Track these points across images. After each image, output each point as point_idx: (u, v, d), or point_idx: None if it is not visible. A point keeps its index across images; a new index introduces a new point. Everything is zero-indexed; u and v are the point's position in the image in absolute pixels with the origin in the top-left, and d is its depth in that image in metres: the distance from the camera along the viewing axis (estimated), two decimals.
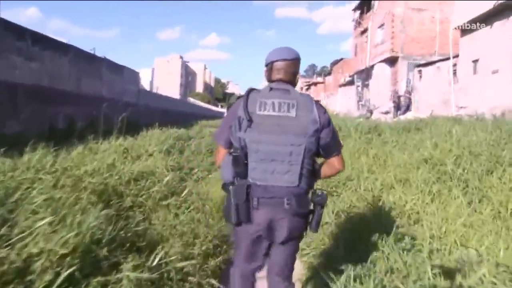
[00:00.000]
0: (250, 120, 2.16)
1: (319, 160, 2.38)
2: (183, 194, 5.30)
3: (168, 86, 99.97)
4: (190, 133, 14.67)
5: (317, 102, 2.28)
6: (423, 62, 24.58)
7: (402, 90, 26.04)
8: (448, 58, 20.59)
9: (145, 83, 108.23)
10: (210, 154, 10.39)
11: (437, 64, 21.74)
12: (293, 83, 2.32)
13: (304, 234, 2.38)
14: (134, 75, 27.31)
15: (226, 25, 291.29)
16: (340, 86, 44.50)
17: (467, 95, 18.08)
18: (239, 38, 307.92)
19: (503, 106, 14.76)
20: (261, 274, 2.47)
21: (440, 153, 6.81)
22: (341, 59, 48.27)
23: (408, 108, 24.50)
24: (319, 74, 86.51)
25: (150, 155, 7.92)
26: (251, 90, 2.27)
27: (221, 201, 5.00)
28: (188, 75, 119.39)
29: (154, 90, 55.28)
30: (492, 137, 7.59)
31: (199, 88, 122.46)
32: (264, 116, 2.17)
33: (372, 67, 30.88)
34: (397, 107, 24.04)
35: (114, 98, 23.57)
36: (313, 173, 2.32)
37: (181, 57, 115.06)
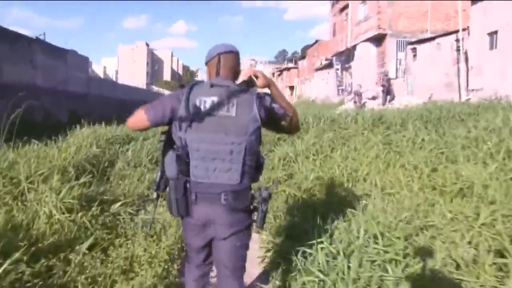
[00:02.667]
0: (190, 120, 2.17)
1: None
2: None
3: (134, 75, 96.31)
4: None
5: (259, 95, 2.26)
6: (415, 39, 21.47)
7: (392, 72, 22.88)
8: (451, 33, 17.45)
9: (110, 72, 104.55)
10: (154, 165, 7.06)
11: (437, 40, 18.59)
12: (233, 78, 2.35)
13: (251, 230, 2.38)
14: (82, 61, 23.22)
15: (193, 13, 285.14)
16: (316, 70, 41.37)
17: (481, 75, 14.97)
18: (206, 26, 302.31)
19: None
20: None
21: None
22: (316, 41, 44.87)
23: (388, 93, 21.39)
24: (290, 60, 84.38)
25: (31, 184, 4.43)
26: (194, 84, 2.28)
27: None
28: (154, 63, 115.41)
29: (120, 80, 51.73)
30: None
31: (167, 76, 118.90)
32: (204, 115, 2.18)
33: (354, 47, 27.63)
34: (387, 91, 20.86)
35: (54, 87, 19.82)
36: (257, 169, 2.34)
37: (147, 44, 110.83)
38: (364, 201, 4.52)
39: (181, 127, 2.20)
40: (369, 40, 25.37)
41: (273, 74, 73.90)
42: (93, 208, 4.19)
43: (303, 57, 54.64)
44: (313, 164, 6.41)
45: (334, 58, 33.17)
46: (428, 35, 21.42)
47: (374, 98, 23.33)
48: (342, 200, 4.60)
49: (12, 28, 17.50)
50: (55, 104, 19.08)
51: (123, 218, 4.41)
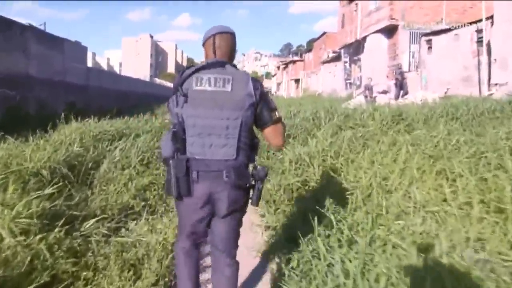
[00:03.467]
0: (185, 96, 2.22)
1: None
2: None
3: (138, 67, 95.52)
4: (134, 124, 10.14)
5: (253, 77, 2.31)
6: (429, 31, 20.33)
7: (405, 65, 21.75)
8: (472, 23, 16.33)
9: (114, 65, 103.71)
10: (145, 167, 6.18)
11: (455, 31, 17.43)
12: (229, 58, 2.38)
13: (245, 209, 2.43)
14: (80, 51, 22.23)
15: (198, 6, 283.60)
16: (323, 63, 40.18)
17: (505, 69, 13.86)
18: (211, 18, 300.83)
19: None
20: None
21: None
22: (324, 33, 43.67)
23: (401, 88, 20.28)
24: (295, 53, 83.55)
25: None
26: (188, 67, 2.33)
27: None
28: (158, 55, 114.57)
29: (124, 72, 50.77)
30: None
31: (171, 68, 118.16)
32: (200, 91, 2.23)
33: (364, 39, 26.47)
34: (400, 85, 19.73)
35: (50, 78, 18.85)
36: (252, 148, 2.37)
37: (151, 36, 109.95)
38: (399, 222, 3.54)
39: (177, 103, 2.25)
40: (380, 31, 24.22)
41: (278, 67, 72.92)
42: (58, 229, 3.25)
43: (309, 50, 53.47)
44: (332, 169, 5.41)
45: (342, 51, 32.05)
46: (443, 26, 20.30)
47: (385, 92, 22.25)
48: (374, 223, 3.59)
49: (16, 19, 16.69)
50: (51, 95, 18.14)
51: (96, 241, 3.46)
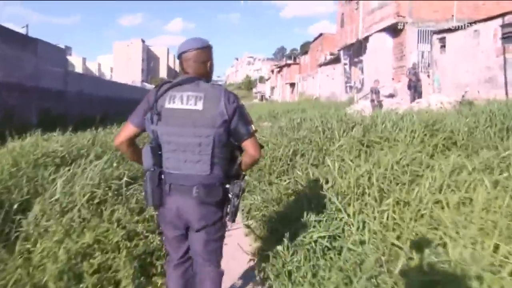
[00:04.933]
0: (159, 114, 2.26)
1: None
2: None
3: (129, 72, 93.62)
4: (103, 138, 8.20)
5: (226, 91, 2.31)
6: (439, 28, 18.46)
7: (412, 65, 19.81)
8: (495, 17, 14.43)
9: (105, 70, 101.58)
10: (96, 210, 4.14)
11: (474, 27, 15.52)
12: (204, 73, 2.38)
13: (222, 222, 2.42)
14: (57, 53, 20.07)
15: (190, 10, 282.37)
16: (320, 65, 38.28)
17: None
18: (203, 23, 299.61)
19: None
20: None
21: None
22: (321, 34, 41.77)
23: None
24: (289, 57, 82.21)
25: None
26: (164, 83, 2.36)
27: None
28: (150, 60, 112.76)
29: (115, 77, 48.68)
30: None
31: (163, 73, 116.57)
32: (172, 109, 2.26)
33: (366, 39, 24.60)
34: (415, 88, 17.81)
35: (20, 83, 16.79)
36: (231, 161, 2.40)
37: (142, 41, 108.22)
38: None
39: (152, 120, 2.28)
40: (385, 30, 22.31)
41: (272, 71, 71.04)
42: None
43: (305, 52, 51.61)
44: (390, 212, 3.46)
45: (341, 52, 30.10)
46: (453, 23, 18.49)
47: (391, 95, 20.31)
48: None
49: (6, 25, 14.74)
50: (20, 102, 16.07)
51: None
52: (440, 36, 17.81)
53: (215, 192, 2.29)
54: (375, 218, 3.51)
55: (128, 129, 2.38)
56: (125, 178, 4.69)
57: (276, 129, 10.07)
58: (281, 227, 3.97)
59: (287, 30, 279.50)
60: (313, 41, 45.21)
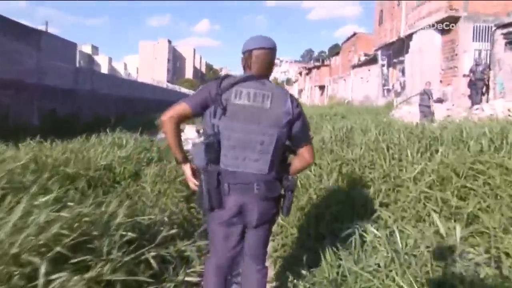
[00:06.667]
0: (224, 109, 2.22)
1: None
2: None
3: (155, 72, 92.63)
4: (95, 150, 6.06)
5: (291, 95, 2.35)
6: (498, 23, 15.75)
7: (466, 68, 17.09)
8: None
9: (132, 70, 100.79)
10: None
11: None
12: (268, 73, 2.38)
13: (276, 218, 2.49)
14: (66, 47, 18.09)
15: (217, 12, 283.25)
16: (354, 67, 35.63)
17: None
18: (230, 25, 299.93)
19: None
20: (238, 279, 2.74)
21: None
22: (354, 34, 39.05)
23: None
24: (317, 60, 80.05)
25: None
26: (226, 76, 2.33)
27: None
28: (176, 60, 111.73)
29: (141, 78, 46.85)
30: None
31: (189, 74, 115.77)
32: (239, 105, 2.23)
33: (409, 37, 21.90)
34: (482, 90, 15.14)
35: (18, 79, 14.79)
36: (284, 163, 2.42)
37: (169, 41, 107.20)
38: None
39: (215, 114, 2.24)
40: (433, 26, 19.57)
41: (300, 73, 68.57)
42: None
43: (336, 53, 48.94)
44: None
45: (379, 52, 27.36)
46: None
47: (440, 100, 17.65)
48: None
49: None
50: (18, 101, 14.15)
51: None
52: (505, 31, 15.08)
53: (275, 187, 2.32)
54: None
55: (182, 107, 2.27)
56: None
57: (318, 142, 7.67)
58: None
59: (314, 33, 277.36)
60: (345, 41, 42.48)
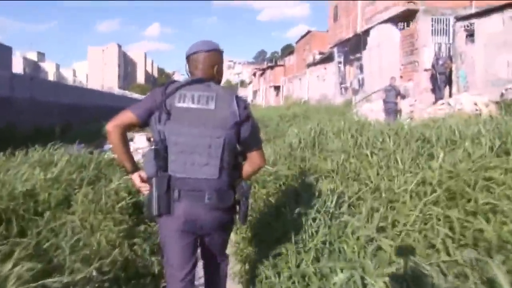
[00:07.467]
0: (168, 113, 2.16)
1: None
2: None
3: (105, 78, 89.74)
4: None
5: (238, 96, 2.27)
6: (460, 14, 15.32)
7: (427, 62, 16.59)
8: None
9: (81, 77, 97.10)
10: None
11: None
12: (212, 75, 2.32)
13: (232, 226, 2.44)
14: (0, 52, 16.50)
15: (167, 15, 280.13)
16: (309, 66, 34.99)
17: None
18: (181, 28, 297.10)
19: None
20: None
21: None
22: (309, 31, 38.44)
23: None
24: (270, 60, 79.81)
25: None
26: (172, 82, 2.29)
27: None
28: (127, 65, 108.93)
29: (90, 84, 44.58)
30: None
31: (140, 79, 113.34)
32: (183, 108, 2.18)
33: (366, 32, 21.33)
34: (442, 84, 14.58)
35: None
36: (236, 167, 2.33)
37: (118, 46, 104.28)
38: None
39: (160, 120, 2.18)
40: (390, 20, 19.05)
41: (254, 74, 67.72)
42: None
43: (290, 52, 48.31)
44: None
45: (335, 49, 26.69)
46: (473, 9, 15.43)
47: (403, 96, 17.07)
48: None
49: None
50: None
51: None
52: (466, 23, 14.60)
53: (227, 197, 2.24)
54: None
55: (126, 116, 2.19)
56: None
57: (283, 148, 6.61)
58: None
59: (265, 34, 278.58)
60: (299, 40, 41.83)
